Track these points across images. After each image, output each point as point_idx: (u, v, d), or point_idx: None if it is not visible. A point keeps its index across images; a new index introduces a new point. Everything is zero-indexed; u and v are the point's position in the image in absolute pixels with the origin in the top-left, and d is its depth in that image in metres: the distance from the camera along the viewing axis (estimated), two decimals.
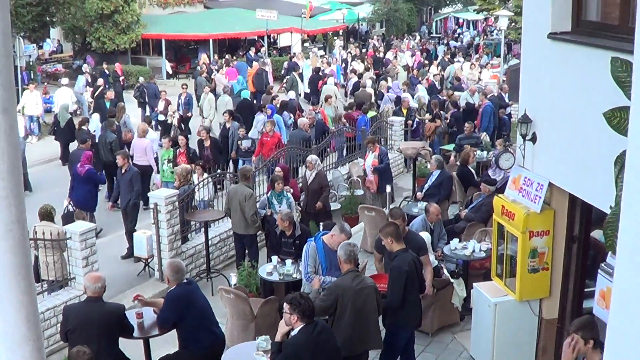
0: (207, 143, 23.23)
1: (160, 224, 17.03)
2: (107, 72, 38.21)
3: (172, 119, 28.51)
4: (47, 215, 15.81)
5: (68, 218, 18.13)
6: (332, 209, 20.91)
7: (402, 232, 12.26)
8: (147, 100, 33.07)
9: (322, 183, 19.18)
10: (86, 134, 23.93)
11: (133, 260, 18.59)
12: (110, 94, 30.89)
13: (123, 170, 19.09)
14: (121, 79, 37.56)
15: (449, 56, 49.18)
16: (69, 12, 42.99)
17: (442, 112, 28.59)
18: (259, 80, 37.47)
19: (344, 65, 43.91)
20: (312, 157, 19.58)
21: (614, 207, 6.18)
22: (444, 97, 31.10)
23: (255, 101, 32.44)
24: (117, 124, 25.22)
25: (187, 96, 30.92)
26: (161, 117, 29.05)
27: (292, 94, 33.65)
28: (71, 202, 19.28)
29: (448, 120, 27.94)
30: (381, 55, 49.40)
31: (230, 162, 24.86)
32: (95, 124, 26.81)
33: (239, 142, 24.12)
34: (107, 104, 29.35)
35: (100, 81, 35.06)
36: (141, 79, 36.64)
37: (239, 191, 16.70)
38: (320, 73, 39.07)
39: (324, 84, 35.45)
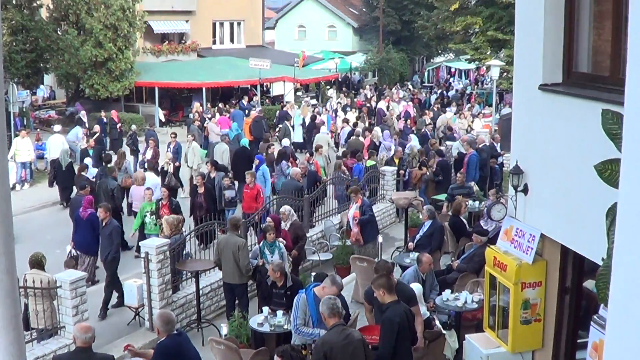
0: (201, 190, 23.14)
1: (151, 273, 16.94)
2: (104, 120, 38.28)
3: (167, 166, 28.40)
4: (37, 263, 15.72)
5: (71, 262, 18.41)
6: (323, 259, 20.88)
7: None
8: (138, 148, 33.06)
9: (297, 233, 19.22)
10: (85, 180, 24.13)
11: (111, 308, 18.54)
12: (92, 142, 30.67)
13: (103, 223, 18.99)
14: (118, 126, 37.53)
15: (438, 105, 49.35)
16: (63, 59, 43.22)
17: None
18: (257, 128, 37.54)
19: (334, 114, 43.85)
20: (286, 208, 19.69)
21: (606, 259, 6.17)
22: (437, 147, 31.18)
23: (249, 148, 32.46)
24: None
25: (176, 145, 30.49)
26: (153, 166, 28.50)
27: (286, 142, 33.81)
28: (74, 247, 19.69)
29: (434, 169, 27.92)
30: (373, 104, 49.52)
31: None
32: (91, 170, 26.80)
33: (223, 193, 23.98)
34: (90, 152, 29.22)
35: (97, 128, 35.11)
36: (134, 127, 36.72)
37: (231, 241, 16.63)
38: (317, 121, 39.16)
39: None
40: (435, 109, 46.02)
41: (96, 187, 23.76)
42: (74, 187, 26.14)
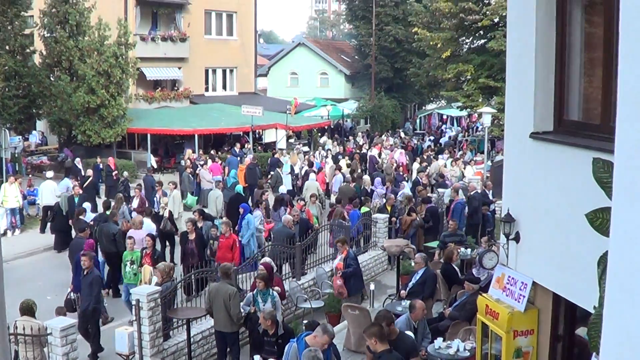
0: (192, 236, 22.82)
1: (142, 321, 16.84)
2: (100, 166, 38.31)
3: (163, 211, 28.42)
4: (28, 310, 15.65)
5: (69, 305, 19.36)
6: (315, 306, 20.78)
7: (390, 334, 12.16)
8: (130, 194, 33.05)
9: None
10: (84, 223, 24.30)
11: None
12: (78, 189, 30.49)
13: (85, 272, 18.65)
14: (114, 173, 37.47)
15: (429, 152, 49.42)
16: (56, 105, 43.39)
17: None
18: (251, 175, 37.59)
19: (324, 161, 43.79)
20: (266, 260, 19.68)
21: (597, 307, 6.15)
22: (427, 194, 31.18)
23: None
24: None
25: (162, 193, 30.45)
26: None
27: (283, 189, 34.11)
28: (74, 290, 20.01)
29: (424, 215, 27.90)
30: (365, 151, 49.60)
31: None
32: (88, 215, 27.02)
33: (211, 242, 23.64)
34: (76, 199, 29.09)
35: (90, 172, 35.19)
36: (125, 173, 36.75)
37: (222, 289, 16.56)
38: (314, 168, 39.26)
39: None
40: (425, 157, 46.01)
41: (95, 232, 23.80)
42: (70, 232, 26.67)
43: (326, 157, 45.24)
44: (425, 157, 45.92)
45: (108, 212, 25.99)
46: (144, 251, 20.89)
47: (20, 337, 14.85)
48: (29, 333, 14.92)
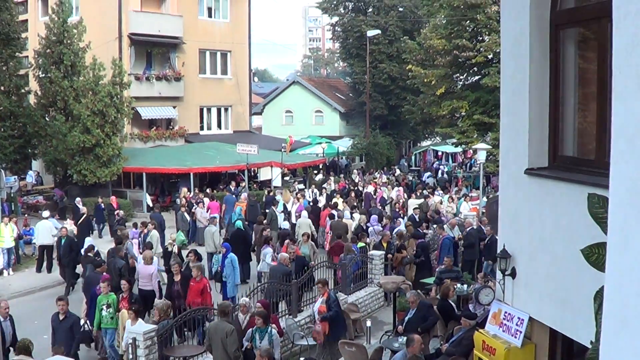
0: (178, 278, 22.19)
1: (139, 359, 16.81)
2: (102, 206, 38.32)
3: (171, 247, 28.50)
4: (24, 349, 15.62)
5: (85, 337, 20.07)
6: (312, 343, 20.73)
7: None
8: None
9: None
10: (92, 260, 24.83)
11: None
12: (65, 230, 30.34)
13: (62, 317, 18.41)
14: (116, 212, 37.41)
15: (424, 189, 49.42)
16: (51, 145, 43.50)
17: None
18: (252, 212, 37.71)
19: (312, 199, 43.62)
20: (246, 300, 19.54)
21: (594, 342, 6.17)
22: (424, 231, 31.13)
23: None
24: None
25: (147, 233, 30.05)
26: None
27: (286, 225, 34.31)
28: (87, 322, 20.60)
29: (414, 251, 27.91)
30: (360, 188, 49.64)
31: None
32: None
33: None
34: (63, 240, 28.98)
35: (84, 209, 35.28)
36: (121, 212, 36.73)
37: (220, 327, 16.53)
38: (318, 204, 39.37)
39: (325, 214, 35.57)
40: (418, 193, 45.97)
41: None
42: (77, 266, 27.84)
43: (320, 194, 45.04)
44: (419, 193, 45.94)
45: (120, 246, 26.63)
46: (121, 295, 20.48)
47: None
48: None
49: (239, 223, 32.74)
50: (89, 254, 26.26)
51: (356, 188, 49.61)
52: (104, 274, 22.29)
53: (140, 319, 18.52)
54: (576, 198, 8.80)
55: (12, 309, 18.92)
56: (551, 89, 10.51)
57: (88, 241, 28.22)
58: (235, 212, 37.12)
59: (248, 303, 18.98)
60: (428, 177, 61.04)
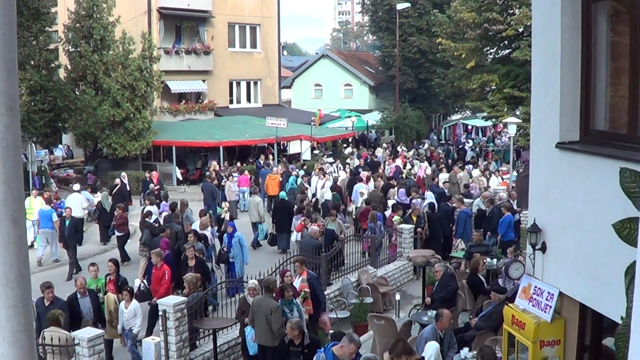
0: (192, 262, 21.21)
1: (169, 331, 16.92)
2: (148, 179, 38.40)
3: (225, 214, 29.68)
4: (55, 320, 15.78)
5: (142, 296, 20.34)
6: (340, 316, 20.78)
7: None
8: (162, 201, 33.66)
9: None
10: (149, 225, 26.48)
11: None
12: (69, 211, 29.71)
13: (47, 303, 17.42)
14: (156, 187, 37.27)
15: (454, 163, 49.22)
16: (81, 119, 43.72)
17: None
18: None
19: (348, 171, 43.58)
20: (254, 282, 18.38)
21: (625, 317, 6.14)
22: (453, 204, 30.93)
23: None
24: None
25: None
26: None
27: (328, 195, 34.50)
28: (144, 281, 21.27)
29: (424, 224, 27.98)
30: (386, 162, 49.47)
31: None
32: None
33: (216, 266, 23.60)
34: (67, 221, 28.82)
35: (117, 181, 35.93)
36: (151, 186, 36.85)
37: (264, 304, 16.46)
38: (356, 175, 39.56)
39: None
40: (440, 167, 45.75)
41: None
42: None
43: (342, 169, 44.83)
44: (445, 166, 45.83)
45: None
46: (108, 277, 20.14)
47: (48, 347, 14.95)
48: (56, 344, 15.02)
49: (282, 194, 33.25)
50: (147, 219, 27.24)
51: (376, 160, 49.56)
52: (165, 238, 23.47)
53: (134, 300, 18.43)
54: (608, 172, 8.72)
55: (40, 281, 19.00)
56: (583, 62, 10.40)
57: (149, 208, 29.10)
58: (290, 182, 37.87)
59: (257, 285, 18.12)
60: (470, 150, 60.82)
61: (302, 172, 41.01)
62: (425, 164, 47.07)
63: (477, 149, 62.16)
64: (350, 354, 11.87)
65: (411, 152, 55.96)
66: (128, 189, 38.08)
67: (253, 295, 17.47)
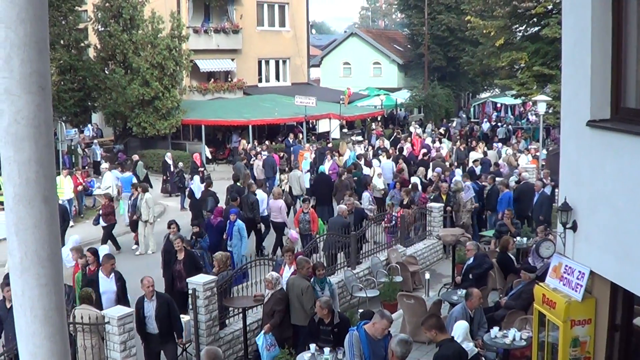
0: (181, 256, 19.39)
1: (199, 310, 16.98)
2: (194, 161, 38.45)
3: (285, 186, 31.71)
4: (87, 298, 15.90)
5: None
6: (370, 295, 20.79)
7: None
8: (185, 185, 33.92)
9: (273, 307, 16.40)
10: (212, 194, 28.64)
11: None
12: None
13: (9, 305, 15.39)
14: (199, 169, 37.37)
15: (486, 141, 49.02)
16: (111, 98, 43.92)
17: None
18: (320, 159, 38.75)
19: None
20: (273, 275, 16.88)
21: None
22: (483, 183, 30.72)
23: None
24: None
25: (137, 197, 28.17)
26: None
27: (367, 171, 34.64)
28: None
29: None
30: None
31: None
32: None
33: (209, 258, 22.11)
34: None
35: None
36: (180, 164, 36.98)
37: (296, 283, 16.48)
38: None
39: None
40: (473, 144, 45.50)
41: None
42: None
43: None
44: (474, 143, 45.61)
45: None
46: (87, 268, 18.78)
47: (78, 325, 15.06)
48: (87, 322, 15.12)
49: (322, 167, 34.12)
50: (210, 188, 29.12)
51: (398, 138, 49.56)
52: (219, 207, 25.58)
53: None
54: (639, 150, 8.66)
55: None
56: (614, 39, 10.30)
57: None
58: (350, 157, 39.14)
59: (274, 278, 16.67)
60: (504, 127, 60.60)
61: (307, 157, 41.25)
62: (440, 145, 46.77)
63: (509, 127, 61.76)
64: (383, 330, 11.88)
65: (426, 132, 55.78)
66: (172, 169, 38.03)
67: (270, 288, 16.55)
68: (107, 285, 17.34)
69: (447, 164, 38.11)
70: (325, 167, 35.52)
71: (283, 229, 26.58)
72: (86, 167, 40.83)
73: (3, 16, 3.36)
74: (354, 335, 12.26)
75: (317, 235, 23.94)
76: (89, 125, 54.51)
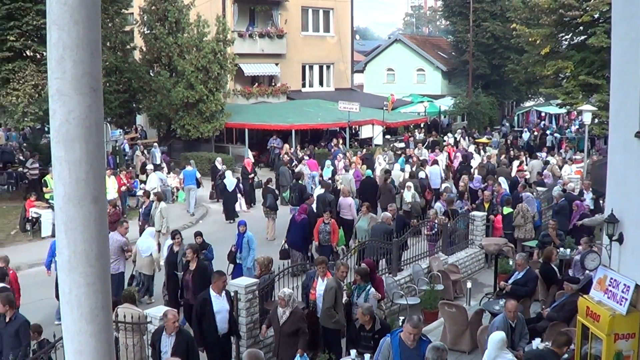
0: (193, 266, 18.61)
1: (240, 312, 17.02)
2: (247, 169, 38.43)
3: (340, 186, 32.69)
4: (130, 298, 16.14)
5: (284, 254, 25.01)
6: (411, 303, 20.73)
7: None
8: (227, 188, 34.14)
9: (298, 325, 15.27)
10: (272, 193, 30.94)
11: None
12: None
13: (7, 319, 14.79)
14: (250, 176, 37.44)
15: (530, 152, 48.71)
16: (155, 100, 44.29)
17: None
18: (367, 164, 39.42)
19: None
20: (285, 292, 15.61)
21: None
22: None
23: None
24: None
25: (149, 205, 28.07)
26: None
27: (422, 174, 34.67)
28: (286, 242, 25.37)
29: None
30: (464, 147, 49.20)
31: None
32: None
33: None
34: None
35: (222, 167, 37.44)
36: (223, 167, 37.15)
37: (328, 283, 16.57)
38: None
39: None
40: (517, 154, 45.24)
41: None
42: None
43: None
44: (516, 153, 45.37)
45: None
46: None
47: (121, 324, 15.18)
48: (129, 321, 15.24)
49: (368, 171, 34.79)
50: (269, 185, 31.72)
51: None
52: (304, 204, 26.41)
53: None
54: None
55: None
56: None
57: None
58: (399, 162, 39.36)
59: (287, 296, 15.42)
60: (550, 135, 60.21)
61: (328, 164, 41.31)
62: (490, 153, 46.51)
63: (555, 135, 61.25)
64: (408, 335, 11.85)
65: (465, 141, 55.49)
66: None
67: (283, 306, 15.31)
68: (219, 304, 15.97)
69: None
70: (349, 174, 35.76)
71: (352, 225, 27.10)
72: (130, 168, 41.08)
73: (56, 18, 3.38)
74: (385, 342, 12.33)
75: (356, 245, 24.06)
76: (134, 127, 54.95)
